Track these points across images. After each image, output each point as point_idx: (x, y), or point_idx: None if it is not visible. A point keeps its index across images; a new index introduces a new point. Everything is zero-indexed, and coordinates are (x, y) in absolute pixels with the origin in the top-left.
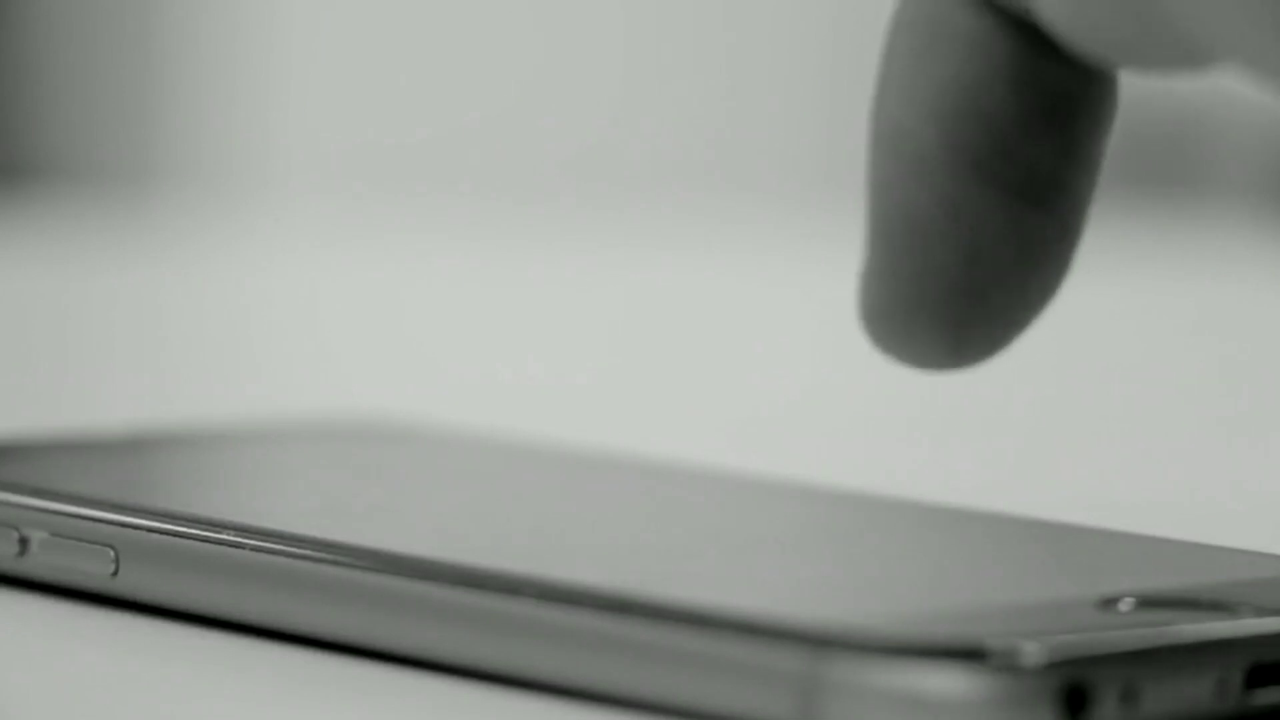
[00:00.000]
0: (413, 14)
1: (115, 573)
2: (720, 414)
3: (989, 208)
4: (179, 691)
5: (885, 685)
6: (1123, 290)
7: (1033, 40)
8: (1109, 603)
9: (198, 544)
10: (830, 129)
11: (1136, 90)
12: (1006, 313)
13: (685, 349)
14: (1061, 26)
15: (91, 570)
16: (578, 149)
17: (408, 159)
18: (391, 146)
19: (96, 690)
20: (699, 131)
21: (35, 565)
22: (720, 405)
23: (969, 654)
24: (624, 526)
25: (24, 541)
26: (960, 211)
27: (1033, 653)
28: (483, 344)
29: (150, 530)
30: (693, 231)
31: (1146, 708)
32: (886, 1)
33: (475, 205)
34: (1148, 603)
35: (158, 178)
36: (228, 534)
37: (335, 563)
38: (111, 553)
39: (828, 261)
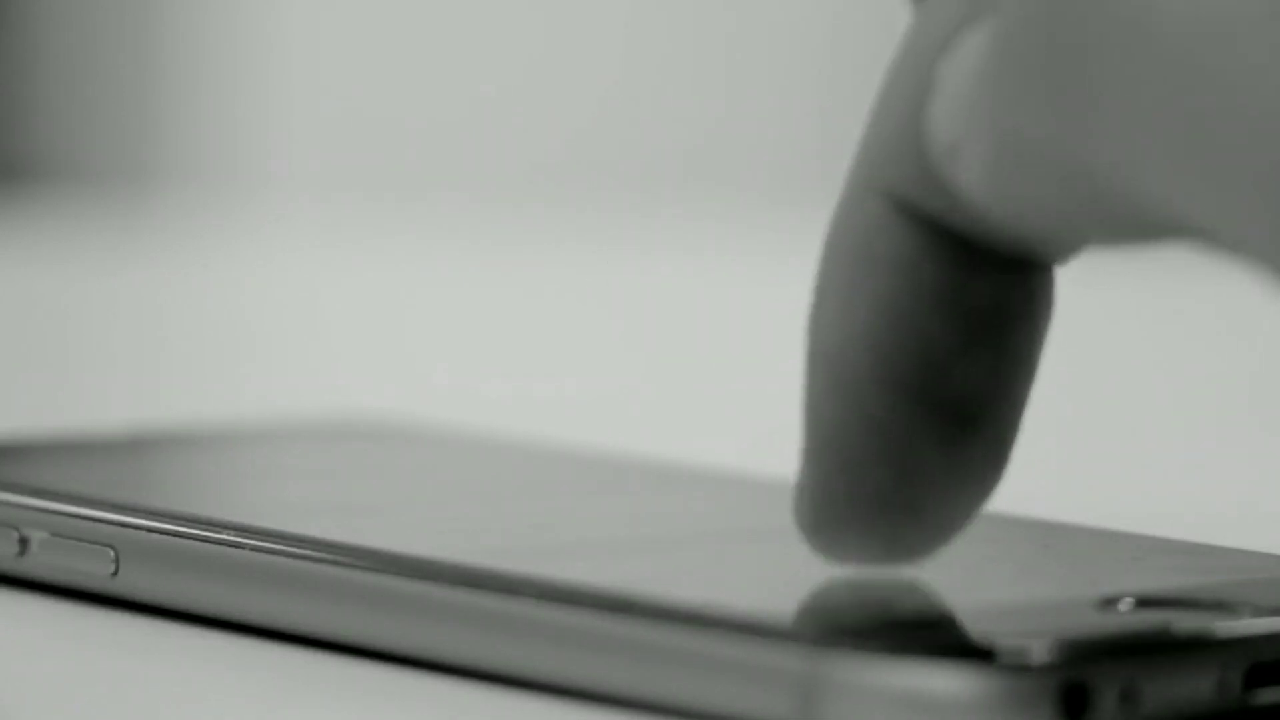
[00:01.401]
0: (413, 15)
1: (115, 573)
2: (718, 414)
3: (920, 429)
4: (179, 691)
5: (885, 685)
6: (1122, 290)
7: (962, 255)
8: (1109, 603)
9: (197, 544)
10: (830, 131)
11: None
12: (938, 521)
13: (683, 350)
14: (987, 203)
15: (91, 570)
16: (580, 151)
17: (407, 160)
18: (391, 147)
19: (96, 690)
20: (702, 133)
21: (35, 565)
22: (718, 406)
23: (969, 654)
24: (623, 526)
25: (24, 541)
26: (890, 433)
27: (1033, 652)
28: (481, 344)
29: (150, 530)
30: (692, 233)
31: (1146, 707)
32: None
33: (475, 206)
34: (1148, 603)
35: (157, 178)
36: (227, 534)
37: (335, 563)
38: (111, 553)
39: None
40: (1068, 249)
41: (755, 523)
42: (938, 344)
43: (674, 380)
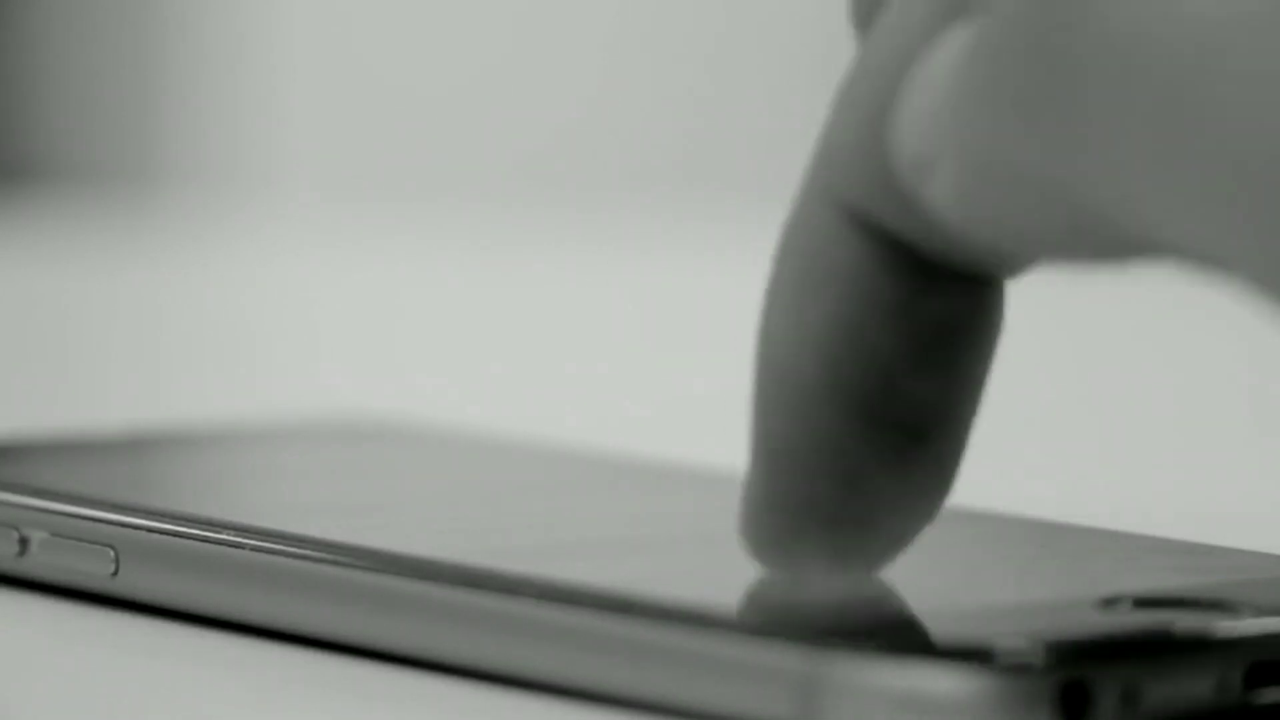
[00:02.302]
0: (413, 16)
1: (115, 573)
2: (718, 414)
3: (868, 443)
4: (179, 691)
5: (885, 685)
6: (1122, 290)
7: (914, 270)
8: (1109, 603)
9: (197, 544)
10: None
11: None
12: (885, 536)
13: (683, 350)
14: (955, 218)
15: (91, 570)
16: (579, 151)
17: (406, 160)
18: (390, 148)
19: (96, 690)
20: (700, 133)
21: (35, 565)
22: (718, 406)
23: (969, 654)
24: (624, 526)
25: (24, 541)
26: (838, 447)
27: (1033, 653)
28: (481, 344)
29: (150, 530)
30: (692, 233)
31: (1146, 707)
32: None
33: (473, 206)
34: (1148, 603)
35: (158, 179)
36: (227, 534)
37: (334, 562)
38: (111, 553)
39: None
40: (1028, 264)
41: None
42: (888, 358)
43: (674, 380)
